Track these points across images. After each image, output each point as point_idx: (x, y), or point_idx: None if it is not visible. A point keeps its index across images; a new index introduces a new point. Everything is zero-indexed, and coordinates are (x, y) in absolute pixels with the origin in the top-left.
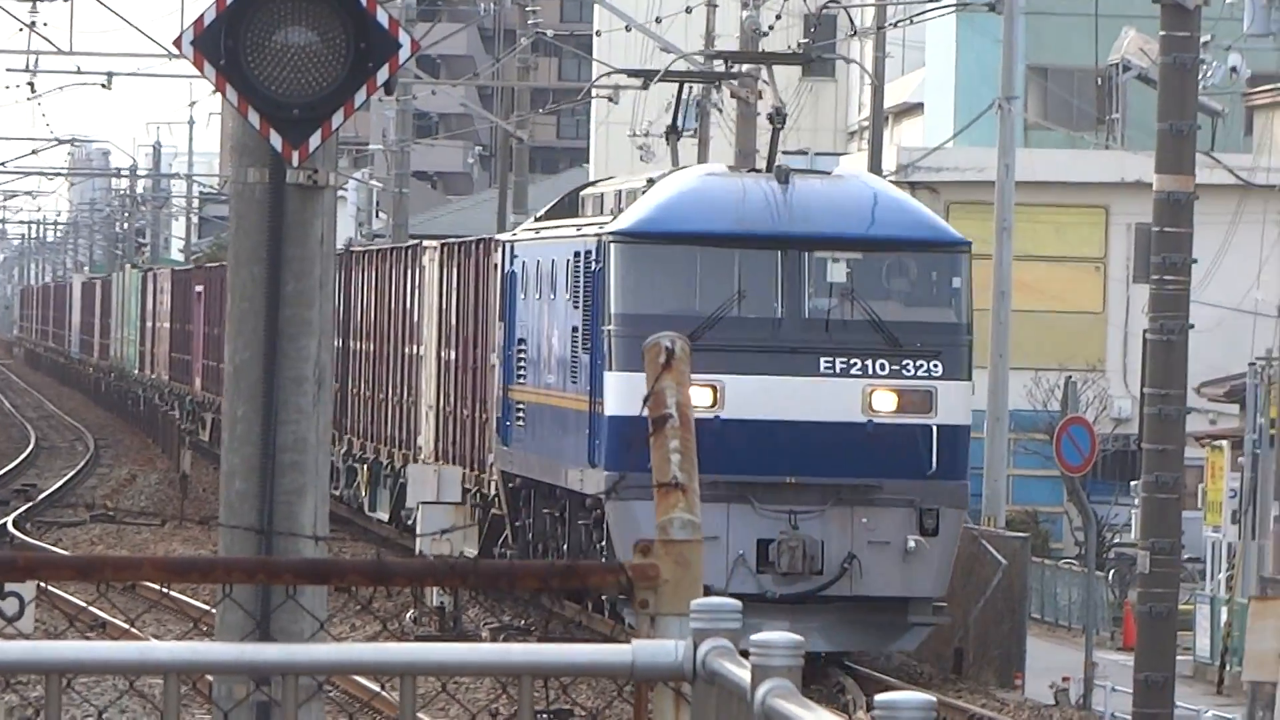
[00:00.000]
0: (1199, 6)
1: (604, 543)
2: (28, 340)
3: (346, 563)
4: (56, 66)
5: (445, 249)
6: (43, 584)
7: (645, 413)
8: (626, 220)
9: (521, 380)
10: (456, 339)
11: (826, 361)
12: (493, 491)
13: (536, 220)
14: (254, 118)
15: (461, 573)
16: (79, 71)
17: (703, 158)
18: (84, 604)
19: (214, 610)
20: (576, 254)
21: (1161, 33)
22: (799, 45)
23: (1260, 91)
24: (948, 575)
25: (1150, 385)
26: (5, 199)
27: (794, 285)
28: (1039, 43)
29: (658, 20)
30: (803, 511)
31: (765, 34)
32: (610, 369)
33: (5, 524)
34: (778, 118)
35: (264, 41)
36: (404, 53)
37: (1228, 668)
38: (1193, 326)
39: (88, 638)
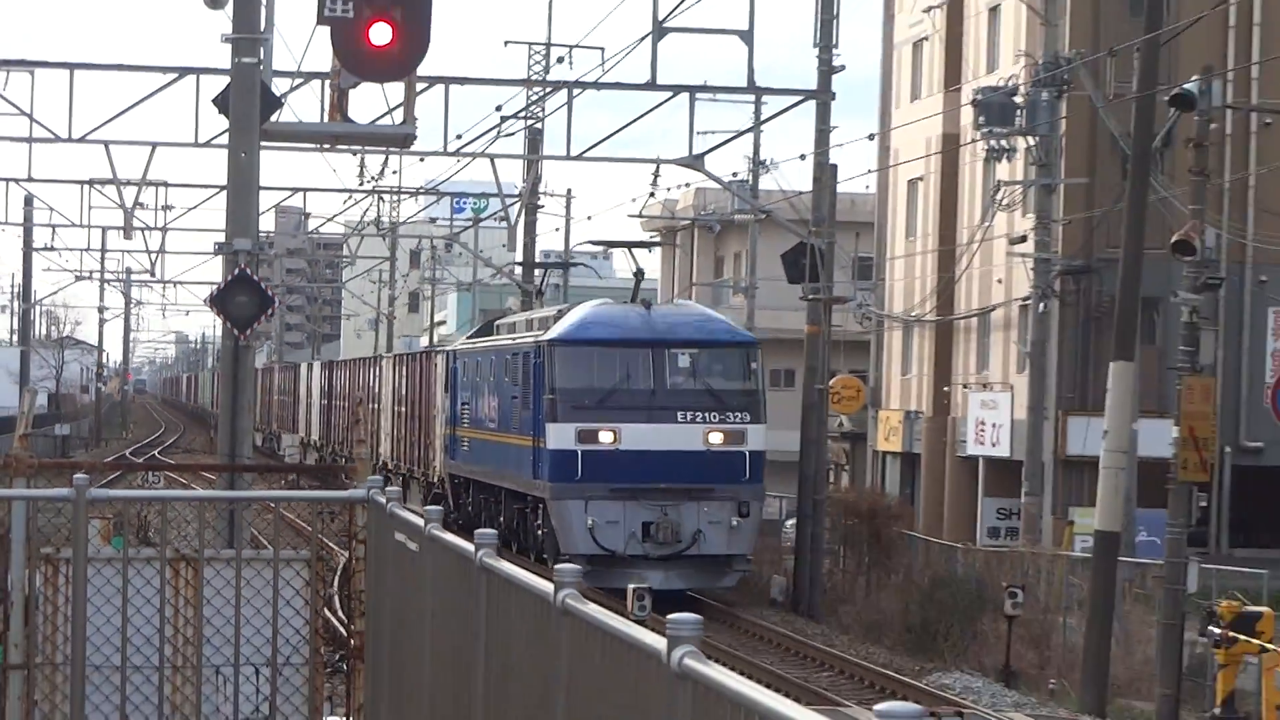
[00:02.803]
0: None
1: (538, 520)
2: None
3: (254, 464)
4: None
5: (397, 357)
6: (164, 473)
7: (351, 416)
8: (557, 332)
9: (464, 424)
10: (406, 400)
11: (681, 414)
12: (435, 480)
13: (468, 338)
14: (229, 325)
15: (294, 469)
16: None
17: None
18: (176, 477)
19: (217, 480)
20: (514, 354)
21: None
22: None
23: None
24: (755, 541)
25: None
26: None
27: (659, 370)
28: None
29: (391, 303)
30: (669, 504)
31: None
32: (552, 422)
33: (155, 453)
34: (641, 274)
35: (231, 299)
36: (275, 307)
37: None
38: None
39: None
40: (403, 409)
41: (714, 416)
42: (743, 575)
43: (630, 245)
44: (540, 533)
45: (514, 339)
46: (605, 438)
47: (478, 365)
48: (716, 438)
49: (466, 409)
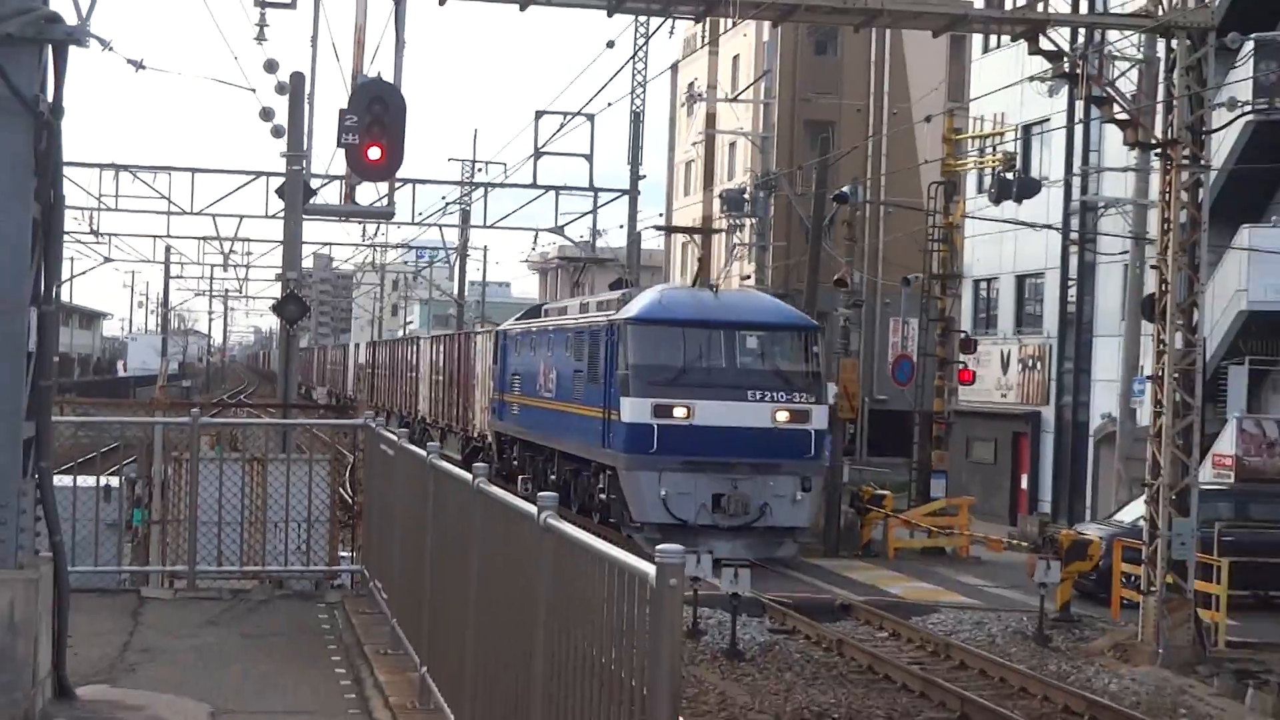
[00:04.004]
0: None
1: (600, 485)
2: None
3: (298, 403)
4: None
5: (434, 337)
6: (245, 408)
7: (356, 376)
8: (633, 312)
9: (514, 392)
10: (444, 371)
11: (751, 393)
12: (475, 435)
13: (516, 320)
14: (284, 321)
15: (322, 407)
16: (253, 310)
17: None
18: (252, 410)
19: (276, 412)
20: (579, 332)
21: None
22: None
23: None
24: (815, 514)
25: None
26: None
27: (730, 350)
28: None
29: (380, 311)
30: (739, 478)
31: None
32: (627, 396)
33: (241, 398)
34: (703, 260)
35: (285, 307)
36: (310, 312)
37: None
38: None
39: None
40: (440, 377)
41: (781, 396)
42: (800, 545)
43: (691, 231)
44: (607, 498)
45: (577, 319)
46: (679, 413)
47: (531, 342)
48: (783, 416)
49: (517, 379)
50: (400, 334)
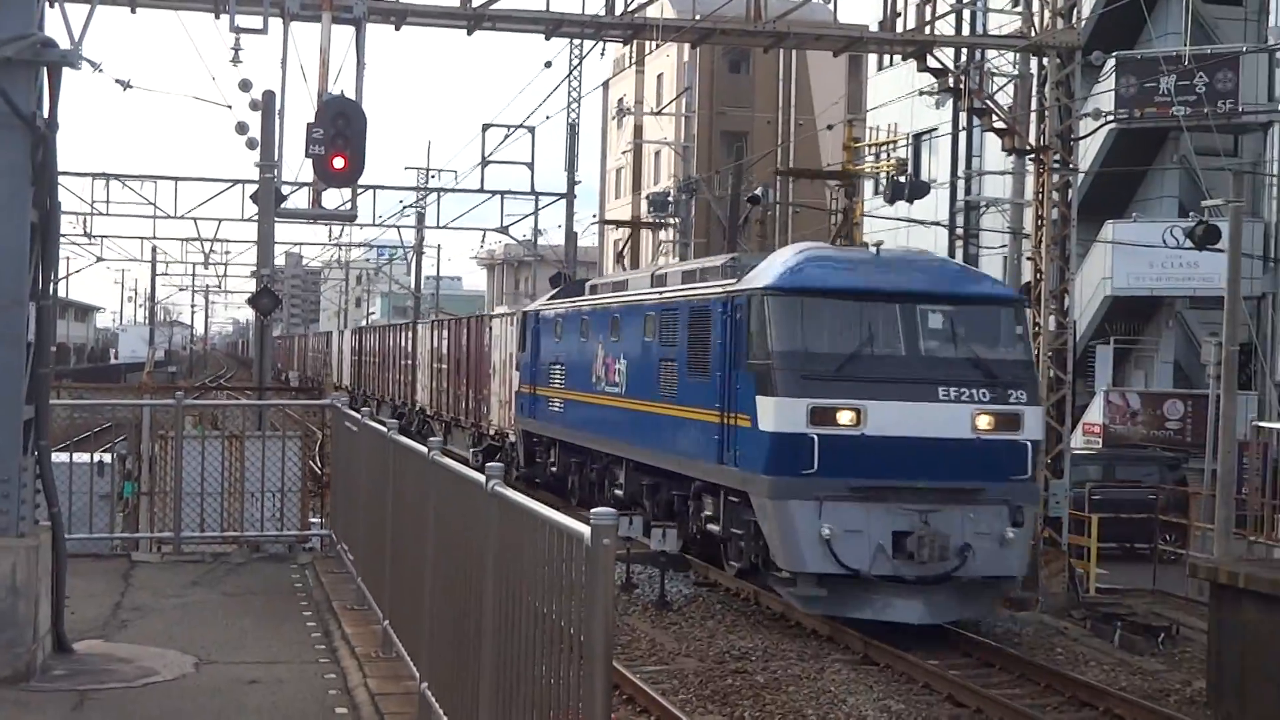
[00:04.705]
0: None
1: (708, 511)
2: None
3: (272, 386)
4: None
5: (435, 323)
6: (225, 391)
7: (321, 361)
8: (770, 279)
9: (555, 385)
10: (448, 359)
11: (944, 390)
12: (492, 433)
13: (550, 299)
14: (258, 313)
15: (293, 389)
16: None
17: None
18: (231, 393)
19: (252, 394)
20: (670, 309)
21: None
22: None
23: None
24: (1026, 560)
25: None
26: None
27: (911, 331)
28: None
29: (345, 303)
30: (929, 509)
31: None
32: (770, 394)
33: (220, 382)
34: (847, 212)
35: (260, 300)
36: (281, 304)
37: None
38: None
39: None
40: (443, 366)
41: (983, 394)
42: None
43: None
44: (723, 530)
45: (663, 292)
46: (845, 418)
47: (582, 324)
48: (986, 422)
49: (558, 369)
50: (364, 323)
